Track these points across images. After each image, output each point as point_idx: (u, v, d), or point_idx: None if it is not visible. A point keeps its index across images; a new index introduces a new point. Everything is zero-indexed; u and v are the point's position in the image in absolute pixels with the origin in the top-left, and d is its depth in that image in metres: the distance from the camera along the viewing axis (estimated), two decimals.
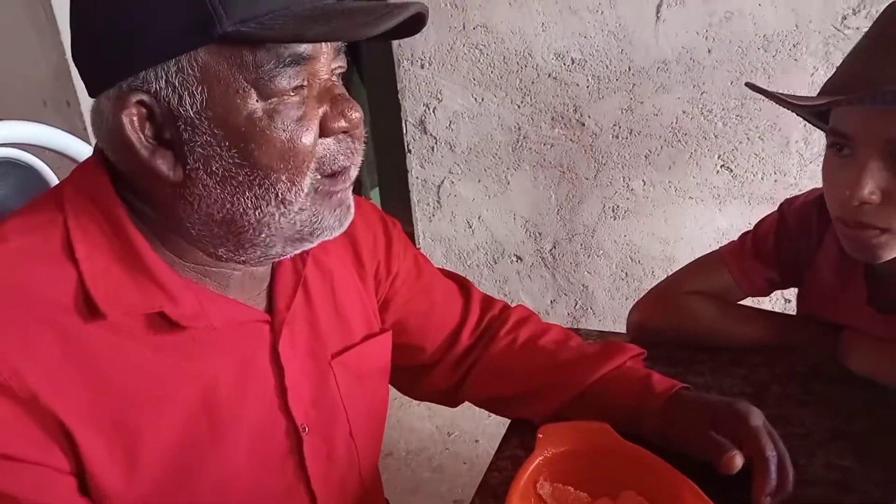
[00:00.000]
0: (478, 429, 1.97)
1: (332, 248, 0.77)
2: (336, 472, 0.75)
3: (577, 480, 0.69)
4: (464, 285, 0.91)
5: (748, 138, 1.72)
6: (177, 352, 0.61)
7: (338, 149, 0.60)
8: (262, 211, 0.58)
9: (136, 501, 0.59)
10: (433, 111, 1.97)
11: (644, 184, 1.86)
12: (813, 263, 0.96)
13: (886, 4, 0.79)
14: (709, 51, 1.67)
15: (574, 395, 0.81)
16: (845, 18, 1.55)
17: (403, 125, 2.03)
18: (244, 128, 0.56)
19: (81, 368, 0.56)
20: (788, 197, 1.00)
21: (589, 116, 1.83)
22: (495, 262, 2.12)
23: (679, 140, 1.78)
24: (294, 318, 0.70)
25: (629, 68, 1.75)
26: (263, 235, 0.60)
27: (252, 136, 0.56)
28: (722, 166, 1.77)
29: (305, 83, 0.58)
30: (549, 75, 1.82)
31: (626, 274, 1.99)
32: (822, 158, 0.84)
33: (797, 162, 1.71)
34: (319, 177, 0.60)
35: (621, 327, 1.07)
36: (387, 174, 2.83)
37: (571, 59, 1.78)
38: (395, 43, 1.94)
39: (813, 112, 0.86)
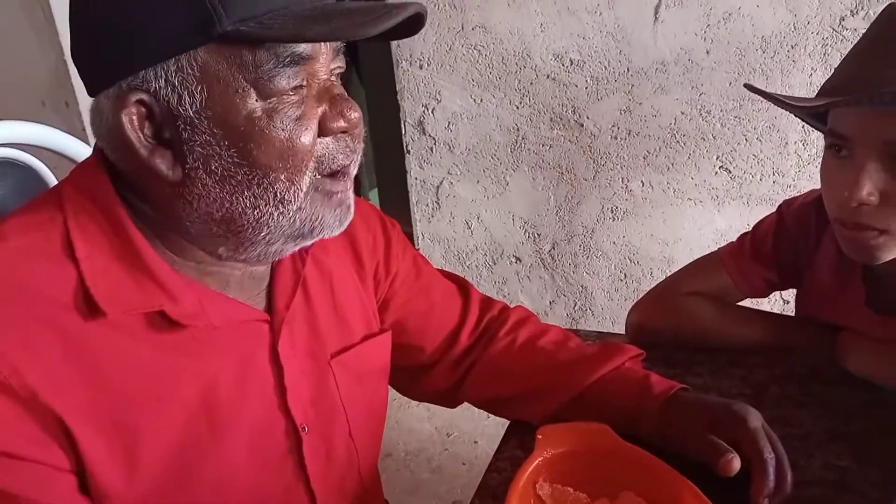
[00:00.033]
0: (477, 430, 1.97)
1: (332, 249, 0.77)
2: (335, 471, 0.75)
3: (577, 481, 0.69)
4: (463, 286, 0.91)
5: (746, 139, 1.72)
6: (176, 351, 0.61)
7: (336, 148, 0.60)
8: (260, 210, 0.59)
9: (136, 500, 0.59)
10: (432, 112, 1.97)
11: (643, 185, 1.86)
12: (811, 264, 0.96)
13: (884, 6, 0.79)
14: (707, 52, 1.67)
15: (573, 395, 0.81)
16: (843, 20, 1.56)
17: (402, 126, 2.03)
18: (243, 127, 0.56)
19: (81, 367, 0.56)
20: (787, 198, 1.01)
21: (587, 117, 1.83)
22: (494, 263, 2.12)
23: (678, 141, 1.78)
24: (293, 317, 0.70)
25: (628, 69, 1.75)
26: (263, 234, 0.60)
27: (251, 135, 0.56)
28: (720, 167, 1.78)
29: (304, 83, 0.58)
30: (548, 76, 1.82)
31: (625, 275, 1.99)
32: (820, 159, 0.84)
33: (795, 163, 1.72)
34: (319, 176, 0.60)
35: (620, 328, 1.07)
36: (385, 175, 2.82)
37: (570, 60, 1.79)
38: (393, 43, 1.94)
39: (811, 113, 0.86)
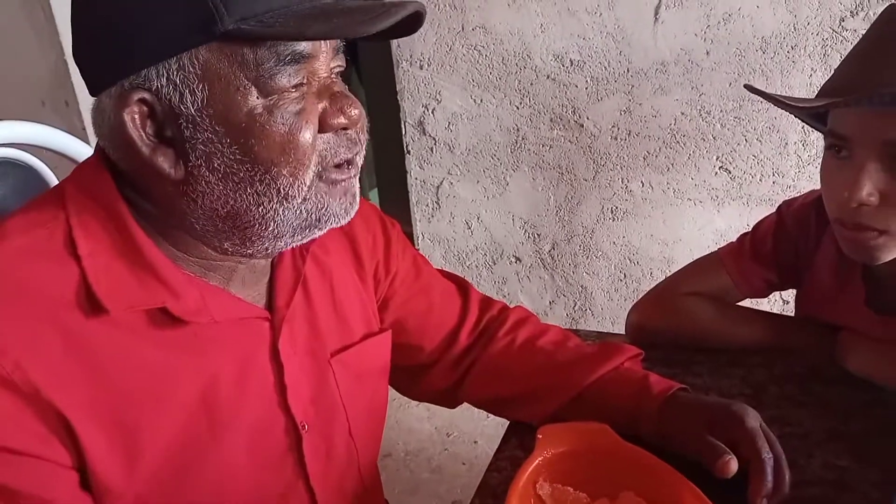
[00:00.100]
0: (476, 430, 1.97)
1: (332, 248, 0.77)
2: (335, 470, 0.75)
3: (577, 481, 0.69)
4: (462, 286, 0.92)
5: (746, 140, 1.73)
6: (178, 347, 0.61)
7: (338, 142, 0.61)
8: (264, 207, 0.59)
9: (136, 496, 0.59)
10: (432, 112, 1.97)
11: (643, 185, 1.86)
12: (811, 265, 0.96)
13: (884, 7, 0.79)
14: (707, 52, 1.67)
15: (572, 395, 0.81)
16: (843, 20, 1.56)
17: (402, 126, 2.03)
18: (244, 124, 0.56)
19: (83, 364, 0.56)
20: (787, 198, 1.01)
21: (588, 118, 1.83)
22: (494, 263, 2.12)
23: (677, 141, 1.78)
24: (294, 315, 0.70)
25: (628, 70, 1.75)
26: (270, 229, 0.60)
27: (252, 131, 0.56)
28: (720, 168, 1.78)
29: (305, 81, 0.58)
30: (548, 77, 1.82)
31: (625, 275, 1.99)
32: (820, 160, 0.84)
33: (795, 163, 1.72)
34: (321, 169, 0.60)
35: (620, 328, 1.07)
36: (386, 175, 2.83)
37: (570, 60, 1.79)
38: (394, 44, 1.95)
39: (811, 114, 0.86)
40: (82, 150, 0.99)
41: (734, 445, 0.69)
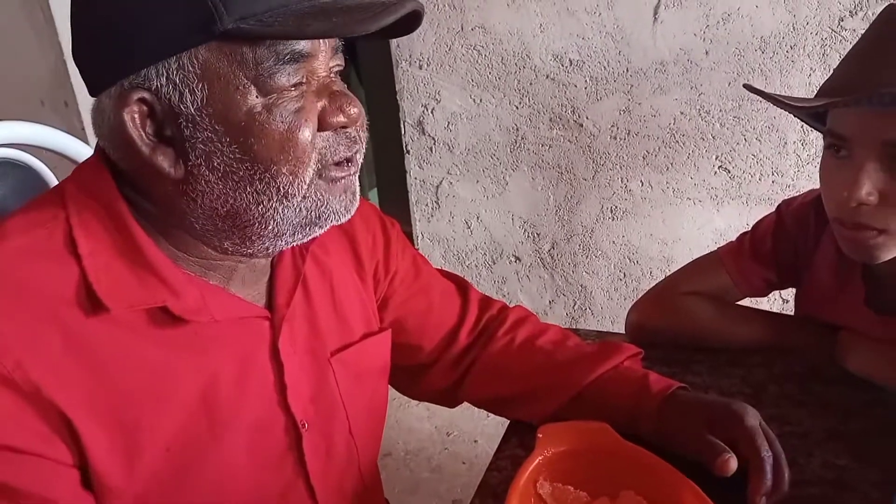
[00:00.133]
0: (476, 429, 1.97)
1: (332, 248, 0.77)
2: (335, 469, 0.75)
3: (577, 480, 0.69)
4: (462, 285, 0.92)
5: (746, 139, 1.73)
6: (178, 347, 0.61)
7: (337, 140, 0.61)
8: (264, 205, 0.59)
9: (137, 495, 0.59)
10: (431, 112, 1.98)
11: (642, 184, 1.86)
12: (811, 264, 0.96)
13: (883, 6, 0.79)
14: (706, 52, 1.67)
15: (572, 395, 0.81)
16: (842, 20, 1.56)
17: (402, 126, 2.03)
18: (244, 122, 0.56)
19: (84, 363, 0.56)
20: (786, 198, 1.01)
21: (587, 117, 1.83)
22: (494, 263, 2.12)
23: (677, 141, 1.78)
24: (294, 314, 0.70)
25: (627, 69, 1.75)
26: (270, 227, 0.60)
27: (251, 130, 0.56)
28: (720, 167, 1.78)
29: (304, 80, 0.58)
30: (548, 76, 1.82)
31: (625, 274, 1.99)
32: (819, 159, 0.84)
33: (794, 163, 1.72)
34: (321, 167, 0.60)
35: (620, 328, 1.07)
36: (385, 175, 2.83)
37: (569, 60, 1.79)
38: (393, 43, 1.95)
39: (810, 113, 0.86)
40: (82, 151, 0.99)
41: (734, 444, 0.70)
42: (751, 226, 1.02)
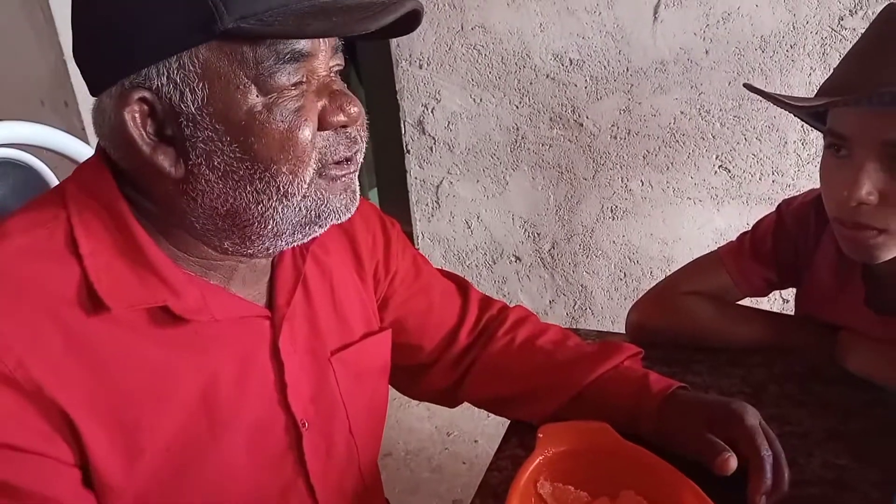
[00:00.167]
0: (477, 429, 1.97)
1: (332, 248, 0.77)
2: (335, 468, 0.75)
3: (577, 480, 0.70)
4: (462, 285, 0.92)
5: (746, 139, 1.73)
6: (179, 346, 0.61)
7: (338, 140, 0.61)
8: (264, 205, 0.59)
9: (137, 494, 0.59)
10: (431, 111, 1.98)
11: (642, 184, 1.86)
12: (811, 264, 0.96)
13: (883, 6, 0.79)
14: (706, 51, 1.67)
15: (572, 395, 0.81)
16: (842, 19, 1.56)
17: (402, 125, 2.03)
18: (244, 122, 0.56)
19: (85, 362, 0.56)
20: (786, 197, 1.01)
21: (587, 117, 1.83)
22: (494, 263, 2.12)
23: (677, 140, 1.78)
24: (294, 314, 0.70)
25: (627, 69, 1.75)
26: (269, 227, 0.61)
27: (252, 129, 0.57)
28: (720, 167, 1.78)
29: (304, 79, 0.58)
30: (548, 76, 1.82)
31: (625, 274, 1.99)
32: (819, 159, 0.84)
33: (795, 162, 1.72)
34: (321, 166, 0.60)
35: (620, 327, 1.07)
36: (385, 174, 2.83)
37: (569, 59, 1.79)
38: (393, 43, 1.94)
39: (810, 113, 0.86)
40: (82, 151, 0.99)
41: (733, 443, 0.70)
42: (751, 225, 1.02)
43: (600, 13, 1.71)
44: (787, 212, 0.98)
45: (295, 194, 0.59)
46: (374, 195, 2.97)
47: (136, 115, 0.56)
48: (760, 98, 0.85)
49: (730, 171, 1.77)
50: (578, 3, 1.72)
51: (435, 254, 2.16)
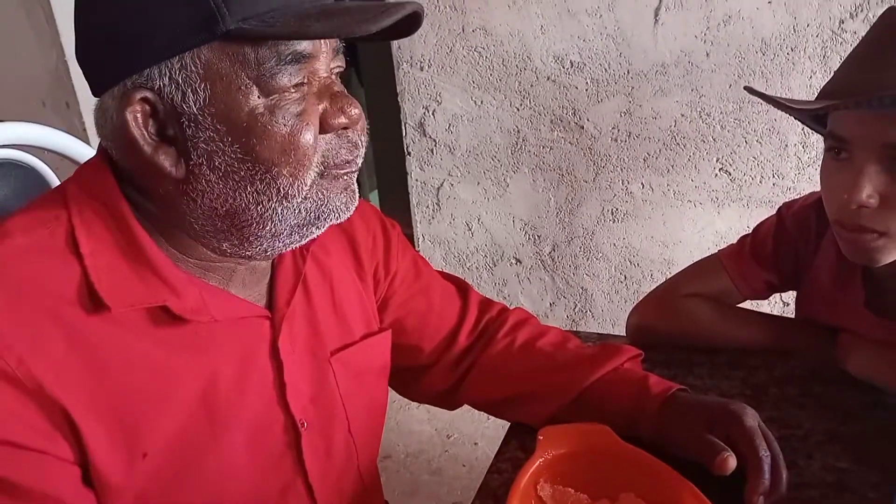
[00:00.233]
0: (477, 431, 1.97)
1: (332, 249, 0.77)
2: (334, 468, 0.75)
3: (577, 482, 0.69)
4: (462, 287, 0.92)
5: (746, 142, 1.73)
6: (178, 346, 0.62)
7: (339, 143, 0.61)
8: (263, 206, 0.59)
9: (137, 493, 0.60)
10: (432, 113, 1.98)
11: (643, 187, 1.86)
12: (811, 267, 0.96)
13: (884, 9, 0.79)
14: (707, 54, 1.67)
15: (572, 397, 0.81)
16: (843, 22, 1.56)
17: (403, 127, 2.03)
18: (246, 123, 0.57)
19: (86, 360, 0.57)
20: (787, 200, 1.01)
21: (588, 119, 1.83)
22: (494, 265, 2.12)
23: (678, 143, 1.78)
24: (294, 314, 0.70)
25: (628, 72, 1.75)
26: (268, 228, 0.61)
27: (253, 130, 0.57)
28: (720, 169, 1.78)
29: (305, 81, 0.59)
30: (548, 78, 1.83)
31: (625, 277, 1.99)
32: (820, 162, 0.85)
33: (795, 165, 1.72)
34: (323, 168, 0.61)
35: (620, 330, 1.07)
36: (386, 176, 2.83)
37: (570, 62, 1.79)
38: (394, 45, 1.95)
39: (811, 116, 0.86)
40: (83, 151, 0.99)
41: (732, 444, 0.70)
42: (751, 228, 1.02)
43: (601, 16, 1.72)
44: (788, 215, 0.98)
45: (295, 196, 0.60)
46: (374, 197, 2.97)
47: (138, 115, 0.56)
48: (761, 101, 0.85)
49: (730, 174, 1.77)
50: (579, 5, 1.72)
51: (435, 256, 2.16)
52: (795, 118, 0.93)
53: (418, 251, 0.91)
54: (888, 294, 0.88)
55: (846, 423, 0.81)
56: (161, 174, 0.58)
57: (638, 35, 1.71)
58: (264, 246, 0.63)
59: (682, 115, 1.75)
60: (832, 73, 0.83)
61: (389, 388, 0.88)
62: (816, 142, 1.66)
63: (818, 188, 0.87)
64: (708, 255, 1.04)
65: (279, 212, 0.60)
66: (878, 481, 0.72)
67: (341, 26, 0.56)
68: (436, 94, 1.95)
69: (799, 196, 1.00)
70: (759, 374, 0.91)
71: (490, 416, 0.92)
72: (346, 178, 0.63)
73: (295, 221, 0.61)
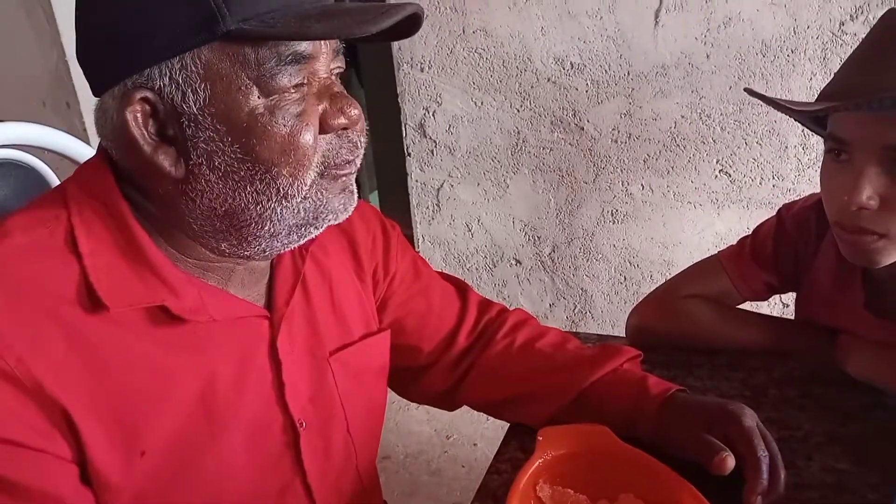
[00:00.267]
0: (476, 432, 1.97)
1: (332, 250, 0.78)
2: (333, 468, 0.75)
3: (577, 483, 0.69)
4: (461, 288, 0.92)
5: (746, 143, 1.73)
6: (177, 346, 0.62)
7: (340, 143, 0.62)
8: (263, 206, 0.59)
9: (135, 493, 0.60)
10: (433, 115, 1.98)
11: (643, 188, 1.86)
12: (811, 268, 0.96)
13: (884, 11, 0.79)
14: (707, 56, 1.67)
15: (571, 397, 0.81)
16: (843, 24, 1.56)
17: (403, 128, 2.03)
18: (246, 123, 0.57)
19: (85, 360, 0.57)
20: (787, 202, 1.01)
21: (588, 121, 1.83)
22: (494, 266, 2.12)
23: (678, 145, 1.78)
24: (292, 314, 0.71)
25: (628, 73, 1.75)
26: (266, 228, 0.61)
27: (253, 131, 0.57)
28: (720, 171, 1.78)
29: (305, 81, 0.59)
30: (549, 79, 1.83)
31: (625, 278, 1.99)
32: (820, 164, 0.85)
33: (795, 167, 1.72)
34: (323, 168, 0.61)
35: (620, 331, 1.07)
36: (386, 177, 2.83)
37: (571, 63, 1.79)
38: (395, 46, 1.95)
39: (811, 117, 0.86)
40: (83, 151, 0.99)
41: (731, 444, 0.70)
42: (751, 230, 1.02)
43: (602, 17, 1.72)
44: (788, 216, 0.98)
45: (295, 196, 0.60)
46: (374, 198, 2.96)
47: (138, 114, 0.57)
48: (761, 102, 0.85)
49: (730, 176, 1.78)
50: (580, 7, 1.72)
51: (435, 257, 2.16)
52: (795, 120, 0.93)
53: (418, 252, 0.91)
54: (888, 295, 0.88)
55: (846, 424, 0.81)
56: (160, 174, 0.58)
57: (638, 37, 1.71)
58: (263, 246, 0.63)
59: (682, 117, 1.75)
60: (832, 75, 0.83)
61: (388, 389, 0.88)
62: (816, 143, 1.66)
63: (818, 190, 0.87)
64: (708, 256, 1.04)
65: (278, 211, 0.60)
66: (877, 482, 0.72)
67: (341, 27, 0.56)
68: (436, 96, 1.95)
69: (799, 197, 1.00)
70: (759, 375, 0.91)
71: (489, 417, 0.92)
72: (344, 179, 0.63)
73: (294, 221, 0.61)
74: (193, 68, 0.55)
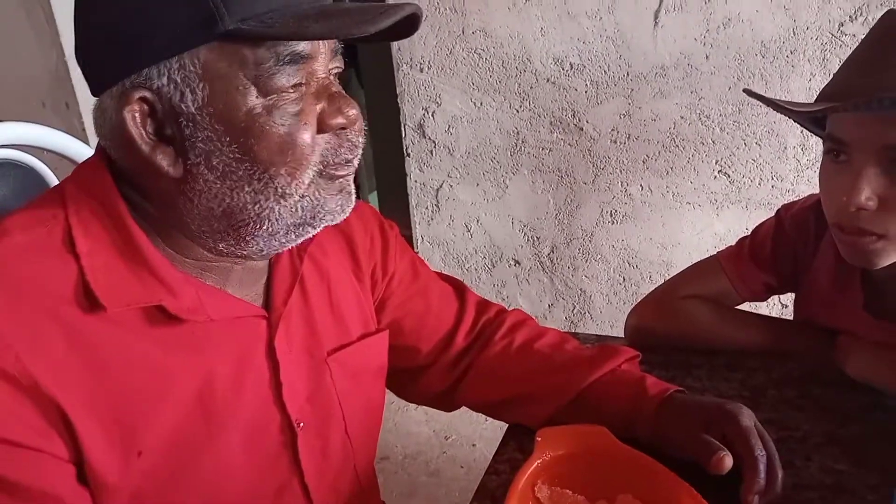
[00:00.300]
0: (475, 433, 1.97)
1: (330, 250, 0.78)
2: (331, 468, 0.75)
3: (575, 483, 0.69)
4: (460, 288, 0.92)
5: (745, 144, 1.73)
6: (175, 345, 0.62)
7: (338, 142, 0.62)
8: (261, 205, 0.60)
9: (133, 492, 0.60)
10: (432, 115, 1.98)
11: (642, 189, 1.86)
12: (810, 269, 0.96)
13: (884, 12, 0.79)
14: (707, 57, 1.67)
15: (570, 398, 0.81)
16: (842, 25, 1.56)
17: (402, 129, 2.03)
18: (244, 123, 0.57)
19: (83, 360, 0.57)
20: (786, 202, 1.01)
21: (587, 121, 1.83)
22: (493, 266, 2.12)
23: (677, 145, 1.79)
24: (290, 314, 0.71)
25: (627, 74, 1.75)
26: (264, 227, 0.61)
27: (251, 130, 0.57)
28: (719, 172, 1.78)
29: (304, 81, 0.59)
30: (548, 80, 1.83)
31: (624, 278, 1.99)
32: (819, 164, 0.85)
33: (794, 167, 1.72)
34: (322, 168, 0.61)
35: (619, 332, 1.07)
36: (385, 178, 2.83)
37: (570, 64, 1.79)
38: (394, 47, 1.95)
39: (810, 118, 0.86)
40: (82, 151, 0.99)
41: (729, 444, 0.70)
42: (750, 230, 1.02)
43: (601, 18, 1.72)
44: (787, 217, 0.98)
45: (292, 195, 0.60)
46: (373, 198, 2.96)
47: (137, 114, 0.57)
48: (760, 103, 0.85)
49: (729, 176, 1.78)
50: (579, 7, 1.72)
51: (434, 257, 2.16)
52: (794, 120, 0.93)
53: (417, 252, 0.91)
54: (887, 296, 0.88)
55: (845, 424, 0.81)
56: (159, 173, 0.58)
57: (637, 37, 1.71)
58: (260, 245, 0.63)
59: (682, 118, 1.75)
60: (831, 76, 0.83)
61: (387, 390, 0.88)
62: (815, 144, 1.66)
63: (817, 190, 0.87)
64: (706, 256, 1.04)
65: (276, 211, 0.60)
66: (876, 483, 0.72)
67: (340, 27, 0.56)
68: (435, 96, 1.95)
69: (798, 198, 1.00)
70: (758, 375, 0.91)
71: (488, 418, 0.92)
72: (342, 179, 0.63)
73: (291, 221, 0.61)
74: (192, 68, 0.56)
